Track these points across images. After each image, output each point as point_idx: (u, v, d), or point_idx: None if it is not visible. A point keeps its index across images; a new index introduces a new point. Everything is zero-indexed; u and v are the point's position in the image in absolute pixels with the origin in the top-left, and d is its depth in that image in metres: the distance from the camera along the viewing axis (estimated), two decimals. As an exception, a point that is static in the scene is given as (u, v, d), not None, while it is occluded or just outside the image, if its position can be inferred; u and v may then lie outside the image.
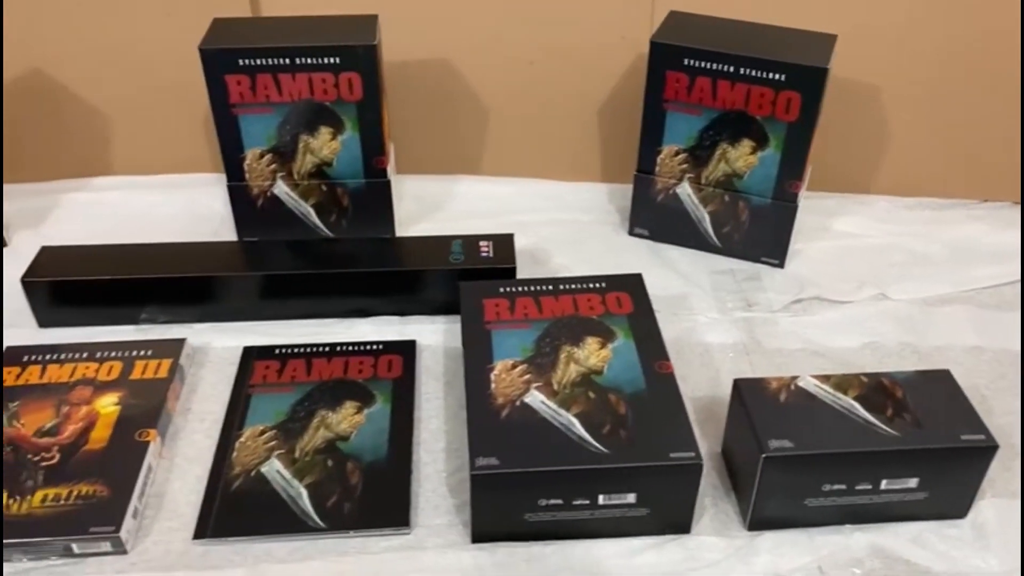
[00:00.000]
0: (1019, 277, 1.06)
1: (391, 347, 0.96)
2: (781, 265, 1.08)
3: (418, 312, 1.02)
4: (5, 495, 0.77)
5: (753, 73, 0.96)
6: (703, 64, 0.98)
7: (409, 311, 1.02)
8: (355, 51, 0.98)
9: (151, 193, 1.21)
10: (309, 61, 0.98)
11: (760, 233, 1.07)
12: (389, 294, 1.01)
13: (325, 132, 1.04)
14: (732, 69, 0.97)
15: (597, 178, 1.26)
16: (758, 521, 0.77)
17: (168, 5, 1.14)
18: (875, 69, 1.13)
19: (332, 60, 0.98)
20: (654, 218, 1.12)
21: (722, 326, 1.00)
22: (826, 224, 1.16)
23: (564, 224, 1.17)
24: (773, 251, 1.08)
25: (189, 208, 1.19)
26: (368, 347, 0.96)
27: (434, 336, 0.99)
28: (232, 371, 0.94)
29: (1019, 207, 1.19)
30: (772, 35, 1.01)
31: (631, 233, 1.15)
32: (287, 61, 0.98)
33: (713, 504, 0.80)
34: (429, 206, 1.20)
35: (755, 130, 1.00)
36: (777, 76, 0.95)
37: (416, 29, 1.13)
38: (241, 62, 0.98)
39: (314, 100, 1.01)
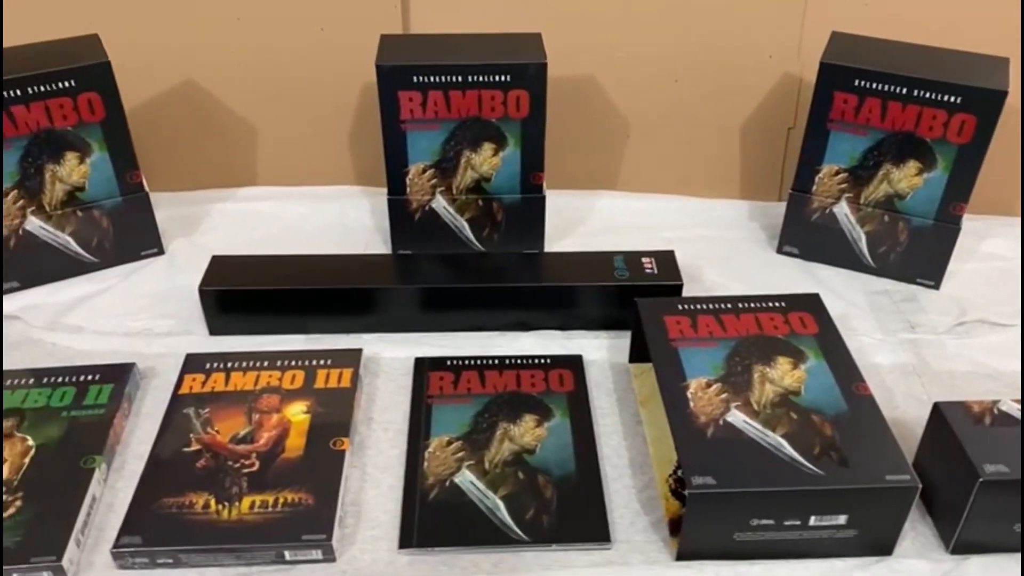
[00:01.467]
0: None
1: (558, 361, 0.97)
2: (937, 287, 1.08)
3: (579, 327, 1.03)
4: (213, 501, 0.79)
5: (927, 95, 0.96)
6: (874, 85, 0.98)
7: (569, 325, 1.03)
8: (527, 69, 0.99)
9: (298, 204, 1.23)
10: (481, 79, 1.00)
11: (918, 254, 1.07)
12: (551, 308, 1.02)
13: (488, 148, 1.05)
14: (905, 91, 0.97)
15: (736, 195, 1.26)
16: (963, 545, 0.76)
17: (323, 20, 1.17)
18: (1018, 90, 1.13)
19: (503, 78, 1.00)
20: (806, 236, 1.12)
21: (888, 347, 1.00)
22: (975, 246, 1.15)
23: (710, 241, 1.17)
24: (930, 272, 1.07)
25: (339, 220, 1.21)
26: (536, 361, 0.96)
27: (599, 351, 1.00)
28: (405, 381, 0.95)
29: None
30: (940, 56, 1.01)
31: (779, 251, 1.15)
32: (459, 79, 1.00)
33: (911, 527, 0.79)
34: (572, 221, 1.21)
35: (923, 152, 1.00)
36: (952, 98, 0.95)
37: (562, 46, 1.14)
38: (415, 79, 0.99)
39: (481, 117, 1.02)
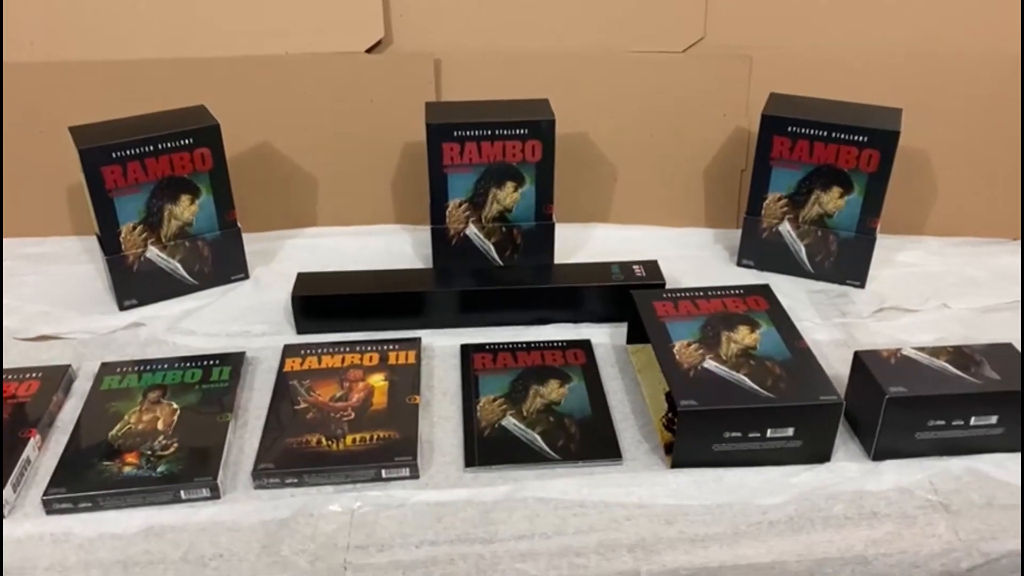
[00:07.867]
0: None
1: (572, 344, 1.24)
2: (862, 286, 1.38)
3: (586, 320, 1.31)
4: (324, 439, 1.05)
5: (842, 136, 1.28)
6: (803, 130, 1.30)
7: (579, 319, 1.31)
8: (540, 124, 1.30)
9: (352, 239, 1.52)
10: (505, 132, 1.31)
11: (846, 261, 1.37)
12: (563, 306, 1.30)
13: (510, 186, 1.35)
14: (826, 133, 1.29)
15: (702, 224, 1.57)
16: (881, 452, 1.04)
17: (372, 93, 1.48)
18: (924, 136, 1.45)
19: (522, 131, 1.31)
20: (759, 251, 1.42)
21: (825, 328, 1.29)
22: (890, 257, 1.46)
23: (684, 259, 1.46)
24: (856, 274, 1.38)
25: (385, 250, 1.49)
26: (555, 343, 1.24)
27: (602, 337, 1.28)
28: (454, 362, 1.22)
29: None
30: (850, 108, 1.33)
31: (739, 264, 1.45)
32: (489, 132, 1.30)
33: (842, 444, 1.07)
34: (572, 246, 1.50)
35: (843, 179, 1.31)
36: (861, 138, 1.27)
37: (561, 108, 1.46)
38: (455, 133, 1.30)
39: (505, 162, 1.33)
